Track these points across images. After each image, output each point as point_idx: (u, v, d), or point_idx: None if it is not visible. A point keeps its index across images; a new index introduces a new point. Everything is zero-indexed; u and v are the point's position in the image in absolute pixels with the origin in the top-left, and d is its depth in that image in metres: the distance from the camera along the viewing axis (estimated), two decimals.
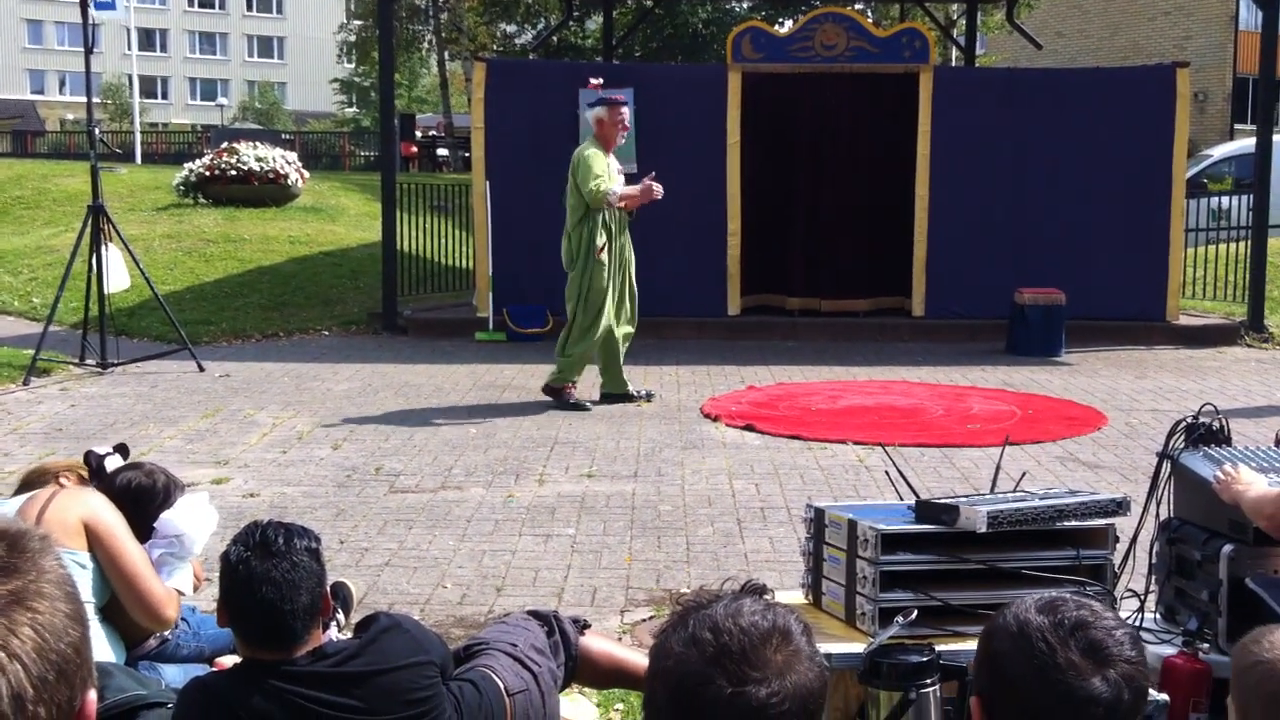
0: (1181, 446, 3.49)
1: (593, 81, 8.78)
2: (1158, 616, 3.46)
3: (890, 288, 12.44)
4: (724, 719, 1.62)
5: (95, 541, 3.34)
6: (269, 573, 2.66)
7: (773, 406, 8.63)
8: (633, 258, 8.55)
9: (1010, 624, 1.75)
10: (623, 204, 8.21)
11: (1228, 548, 3.17)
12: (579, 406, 8.45)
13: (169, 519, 3.55)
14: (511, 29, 35.28)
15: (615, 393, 8.71)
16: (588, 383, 8.78)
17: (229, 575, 2.72)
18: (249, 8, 79.24)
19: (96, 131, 10.47)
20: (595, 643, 3.53)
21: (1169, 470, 3.47)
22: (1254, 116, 13.14)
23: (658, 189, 8.21)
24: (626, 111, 8.42)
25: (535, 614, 3.50)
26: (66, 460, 3.70)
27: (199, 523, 3.59)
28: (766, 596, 1.81)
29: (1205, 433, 3.50)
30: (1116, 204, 11.81)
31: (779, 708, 1.63)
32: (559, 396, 8.53)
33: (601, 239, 8.27)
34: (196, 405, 8.50)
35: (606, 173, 8.18)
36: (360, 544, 5.51)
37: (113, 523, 3.38)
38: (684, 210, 11.91)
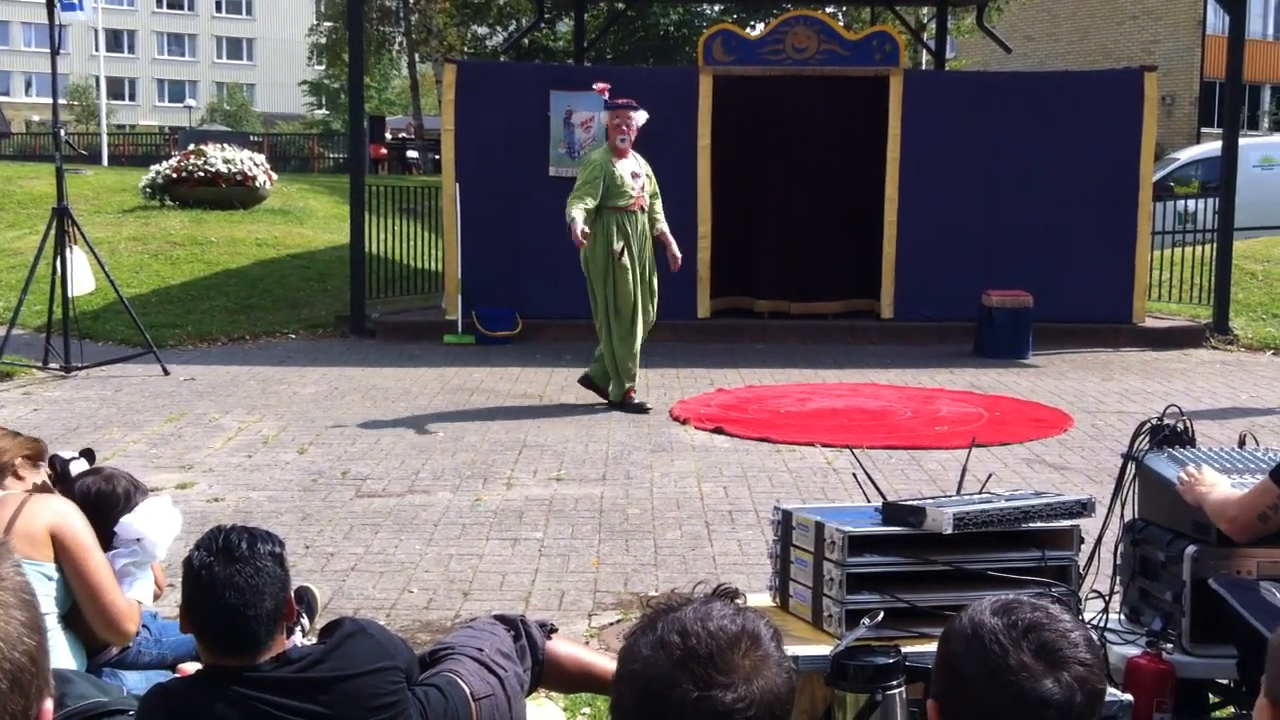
0: (1146, 448, 3.51)
1: (597, 86, 8.78)
2: (1122, 617, 3.47)
3: (860, 290, 12.48)
4: None
5: (62, 552, 3.30)
6: (232, 578, 2.63)
7: (742, 409, 8.63)
8: (653, 266, 8.56)
9: (965, 626, 1.75)
10: (578, 238, 8.08)
11: (1191, 549, 3.19)
12: (639, 409, 8.49)
13: (130, 523, 3.51)
14: (483, 31, 35.17)
15: (595, 384, 8.71)
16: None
17: (191, 580, 2.69)
18: (218, 9, 78.81)
19: (62, 133, 10.37)
20: (562, 647, 3.51)
21: (1134, 472, 3.49)
22: (1220, 120, 13.24)
23: (582, 238, 8.06)
24: (636, 116, 8.39)
25: (501, 618, 3.48)
26: (16, 441, 3.61)
27: (161, 526, 3.56)
28: (738, 601, 1.80)
29: (1170, 434, 3.52)
30: (1084, 207, 11.88)
31: (745, 713, 1.62)
32: (624, 404, 8.56)
33: (619, 243, 8.31)
34: (161, 409, 8.44)
35: (601, 183, 8.19)
36: (326, 549, 5.47)
37: (81, 534, 3.34)
38: None
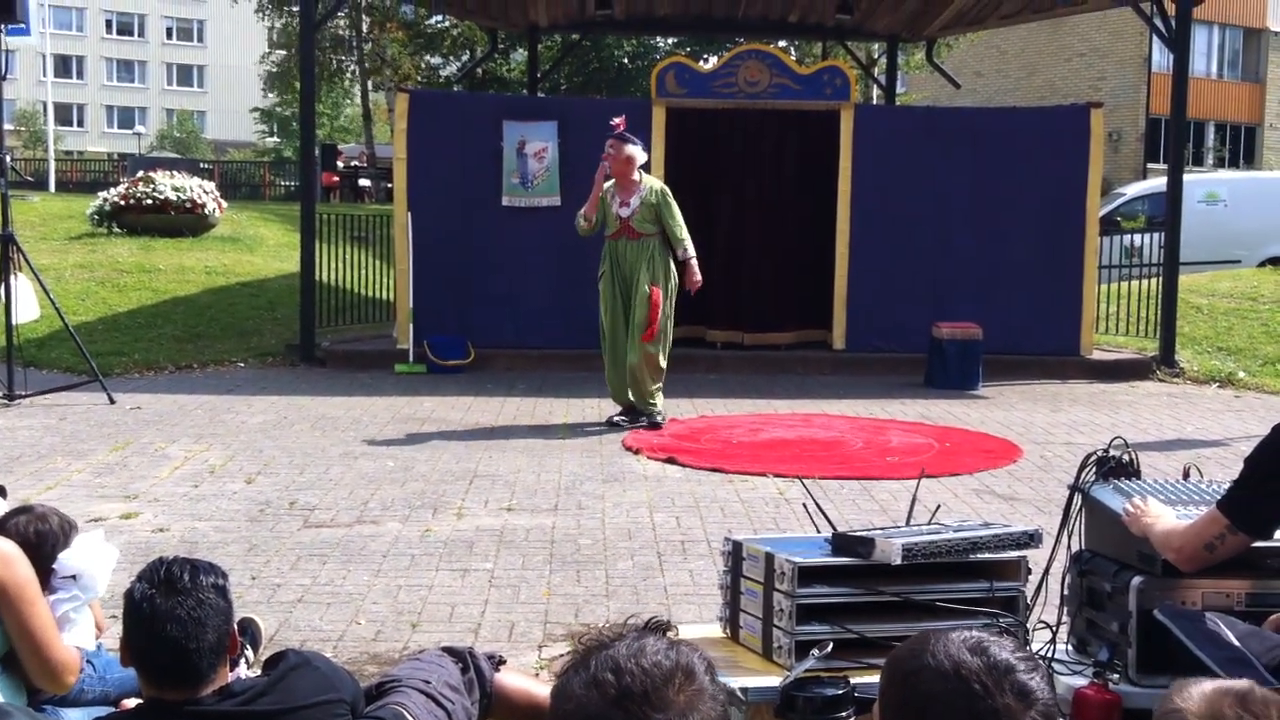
0: (1092, 479, 3.53)
1: (614, 121, 8.96)
2: (1069, 648, 3.48)
3: (812, 321, 12.55)
4: None
5: (4, 604, 3.20)
6: (173, 610, 2.58)
7: (694, 439, 8.63)
8: (643, 288, 8.79)
9: (943, 664, 1.71)
10: (588, 222, 8.85)
11: (1137, 579, 3.21)
12: (609, 421, 9.06)
13: (67, 559, 3.44)
14: (436, 61, 35.18)
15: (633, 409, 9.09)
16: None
17: (132, 613, 2.64)
18: (169, 36, 78.35)
19: (7, 159, 10.26)
20: (511, 679, 3.48)
21: (1080, 503, 3.51)
22: (1166, 156, 13.46)
23: (605, 167, 8.76)
24: (626, 148, 8.72)
25: (450, 650, 3.44)
26: None
27: (99, 562, 3.49)
28: (670, 633, 1.79)
29: (1115, 466, 3.54)
30: (1032, 240, 12.03)
31: None
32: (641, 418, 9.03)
33: (602, 268, 8.93)
34: (106, 438, 8.32)
35: (597, 207, 8.82)
36: (273, 580, 5.40)
37: (27, 586, 3.21)
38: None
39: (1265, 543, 3.03)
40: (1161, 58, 34.57)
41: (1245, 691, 1.61)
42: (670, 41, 30.46)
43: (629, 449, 8.27)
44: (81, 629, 3.46)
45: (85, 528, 4.06)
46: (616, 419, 9.05)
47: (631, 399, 8.98)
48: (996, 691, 1.68)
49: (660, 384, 8.98)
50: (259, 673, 3.11)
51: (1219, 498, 3.04)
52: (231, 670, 2.79)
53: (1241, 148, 42.76)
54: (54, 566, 3.43)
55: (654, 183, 8.93)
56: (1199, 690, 1.63)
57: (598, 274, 8.97)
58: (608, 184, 8.80)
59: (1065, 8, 15.09)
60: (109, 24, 76.17)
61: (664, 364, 8.94)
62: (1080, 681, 3.20)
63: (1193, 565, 3.05)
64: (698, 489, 7.17)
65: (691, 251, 8.84)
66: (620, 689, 1.63)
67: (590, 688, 1.64)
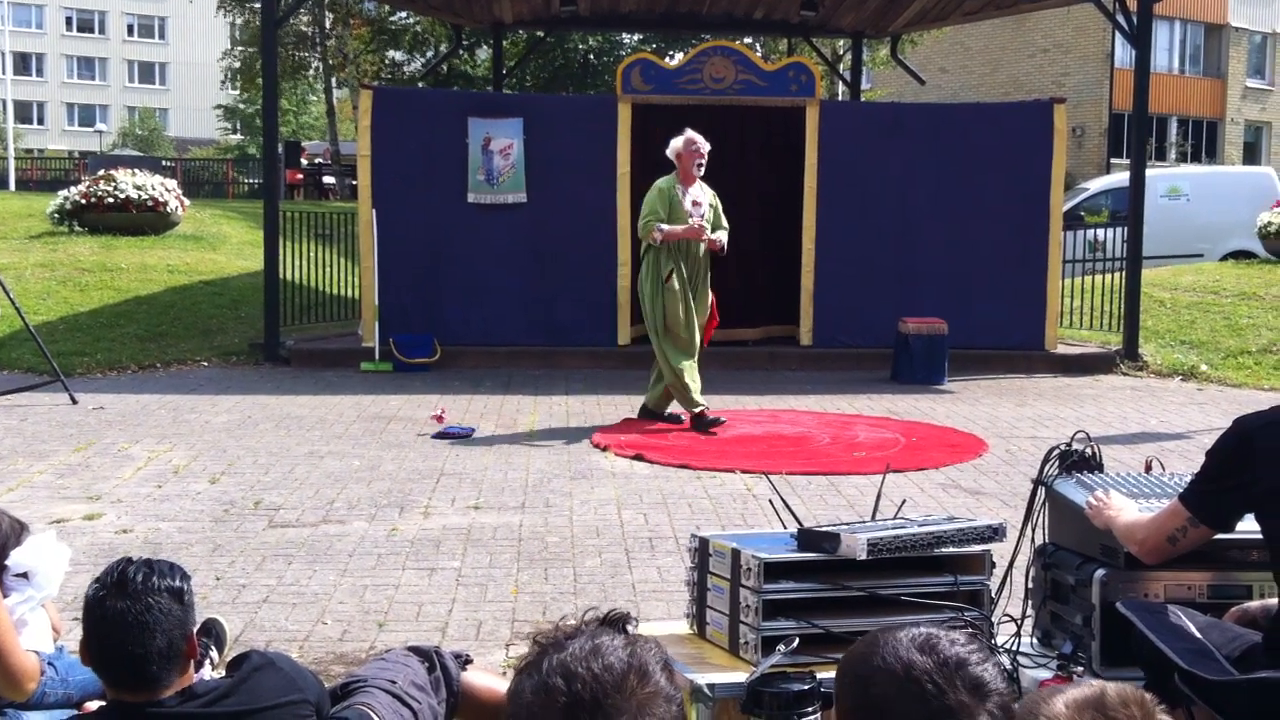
0: (1056, 473, 3.55)
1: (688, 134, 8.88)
2: (1034, 640, 3.50)
3: (779, 317, 12.58)
4: None
5: None
6: (123, 615, 2.56)
7: (662, 436, 8.63)
8: (703, 289, 8.76)
9: (893, 666, 1.71)
10: (668, 239, 8.48)
11: (1100, 572, 3.23)
12: (715, 422, 8.73)
13: (19, 557, 3.40)
14: (400, 57, 35.00)
15: (653, 413, 8.97)
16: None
17: (86, 614, 2.63)
18: (130, 33, 77.61)
19: None
20: (478, 678, 3.46)
21: (1044, 497, 3.53)
22: (1129, 151, 13.57)
23: (705, 231, 8.57)
24: (703, 144, 8.63)
25: (416, 649, 3.42)
26: None
27: (51, 561, 3.45)
28: (630, 627, 1.76)
29: (1078, 460, 3.56)
30: (997, 235, 12.09)
31: None
32: (696, 423, 8.74)
33: (669, 267, 8.54)
34: (68, 439, 8.24)
35: (664, 207, 8.52)
36: (238, 580, 5.36)
37: None
38: (575, 240, 11.93)
39: (1227, 535, 3.06)
40: (1124, 53, 34.85)
41: (1099, 697, 1.61)
42: (636, 38, 30.44)
43: (596, 446, 8.26)
44: (36, 630, 3.42)
45: (46, 529, 4.02)
46: (713, 416, 8.81)
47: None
48: (949, 689, 1.67)
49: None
50: (223, 674, 3.09)
51: (1181, 491, 3.06)
52: (196, 671, 2.77)
53: (1203, 142, 43.14)
54: (6, 564, 3.39)
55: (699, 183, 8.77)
56: (1060, 702, 1.63)
57: (663, 274, 8.55)
58: (675, 185, 8.59)
59: (1029, 4, 15.17)
60: (69, 21, 75.40)
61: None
62: (1045, 674, 3.22)
63: (1155, 558, 3.07)
64: (665, 485, 7.17)
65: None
66: (570, 696, 1.60)
67: (540, 693, 1.61)
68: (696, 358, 8.74)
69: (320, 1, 33.22)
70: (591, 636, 1.68)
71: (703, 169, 8.64)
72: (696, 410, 8.75)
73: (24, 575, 3.40)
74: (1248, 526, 2.95)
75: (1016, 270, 12.10)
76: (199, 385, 10.54)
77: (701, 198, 8.69)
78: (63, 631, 3.64)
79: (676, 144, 8.68)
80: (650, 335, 8.78)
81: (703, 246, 8.66)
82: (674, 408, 9.01)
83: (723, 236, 8.73)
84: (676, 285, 8.57)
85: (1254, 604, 3.12)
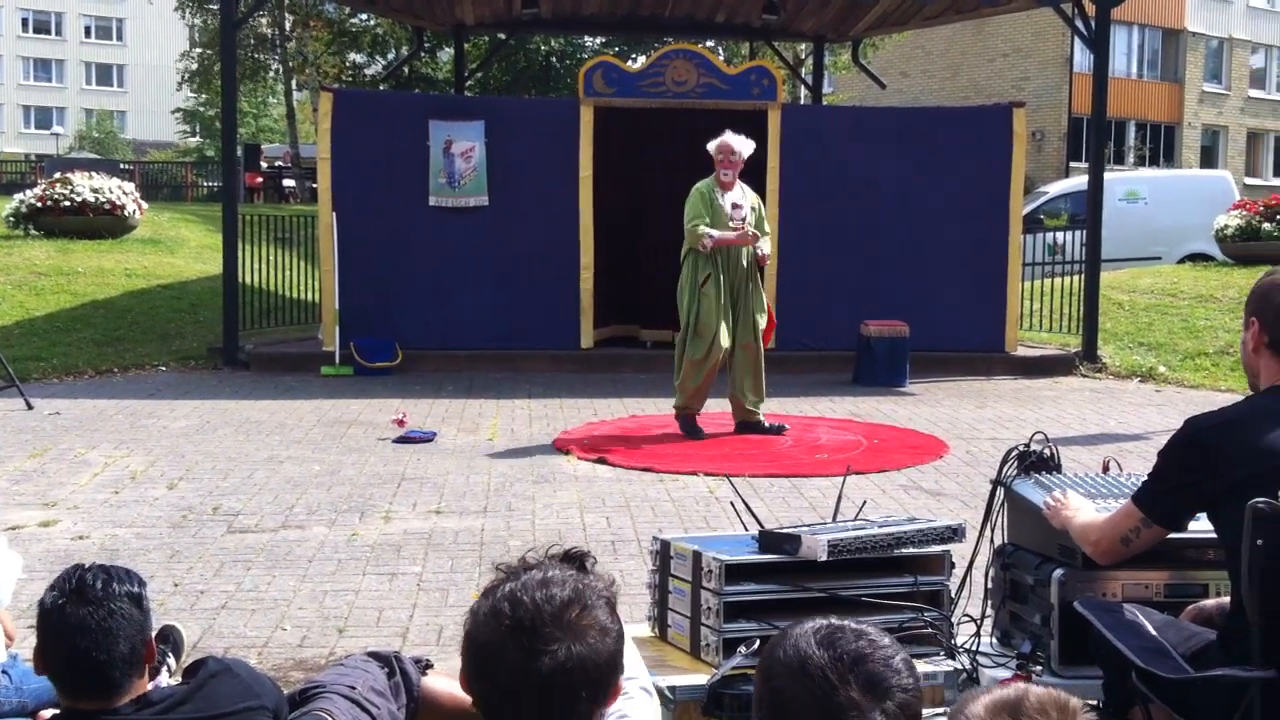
0: (1015, 474, 3.57)
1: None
2: (993, 640, 3.52)
3: None
4: (515, 687, 1.76)
5: None
6: (84, 621, 2.53)
7: (625, 438, 8.62)
8: (754, 289, 8.57)
9: (791, 659, 1.68)
10: (719, 245, 8.28)
11: (1058, 572, 3.25)
12: (695, 434, 8.59)
13: None
14: (361, 59, 34.81)
15: (750, 423, 8.75)
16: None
17: (43, 622, 2.59)
18: (87, 34, 76.82)
19: None
20: (438, 683, 3.44)
21: (1002, 497, 3.55)
22: (1088, 155, 13.68)
23: (753, 235, 8.35)
24: (740, 146, 8.41)
25: (375, 655, 3.39)
26: None
27: (1, 567, 3.41)
28: (587, 563, 1.95)
29: (1037, 460, 3.59)
30: (958, 238, 12.16)
31: (566, 677, 1.77)
32: (681, 422, 8.68)
33: (706, 272, 8.34)
34: (24, 444, 8.14)
35: (707, 210, 8.31)
36: (196, 586, 5.31)
37: None
38: (537, 243, 11.91)
39: (1182, 535, 3.08)
40: (1083, 58, 35.16)
41: (1018, 700, 1.59)
42: (598, 41, 30.43)
43: (559, 449, 8.24)
44: None
45: None
46: (774, 424, 8.74)
47: (754, 400, 8.71)
48: (841, 685, 1.63)
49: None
50: (180, 681, 3.06)
51: (1134, 491, 3.08)
52: (152, 679, 2.74)
53: (1161, 146, 43.58)
54: None
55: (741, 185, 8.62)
56: (980, 704, 1.61)
57: (699, 280, 8.33)
58: (714, 187, 8.43)
59: (988, 8, 15.26)
60: (25, 22, 74.55)
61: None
62: (1004, 674, 3.24)
63: (1110, 558, 3.09)
64: (628, 489, 7.16)
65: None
66: (514, 620, 1.79)
67: (490, 616, 1.81)
68: (715, 366, 8.49)
69: (280, 3, 33.01)
70: (545, 569, 1.86)
71: (730, 175, 8.43)
72: (684, 411, 8.68)
73: None
74: (1203, 526, 2.97)
75: (977, 273, 12.18)
76: (157, 390, 10.44)
77: (743, 201, 8.49)
78: (14, 639, 3.59)
79: (711, 147, 8.54)
80: (679, 338, 8.60)
81: (746, 252, 8.45)
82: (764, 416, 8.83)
83: (765, 245, 8.58)
84: (712, 292, 8.35)
85: (1210, 602, 3.15)
